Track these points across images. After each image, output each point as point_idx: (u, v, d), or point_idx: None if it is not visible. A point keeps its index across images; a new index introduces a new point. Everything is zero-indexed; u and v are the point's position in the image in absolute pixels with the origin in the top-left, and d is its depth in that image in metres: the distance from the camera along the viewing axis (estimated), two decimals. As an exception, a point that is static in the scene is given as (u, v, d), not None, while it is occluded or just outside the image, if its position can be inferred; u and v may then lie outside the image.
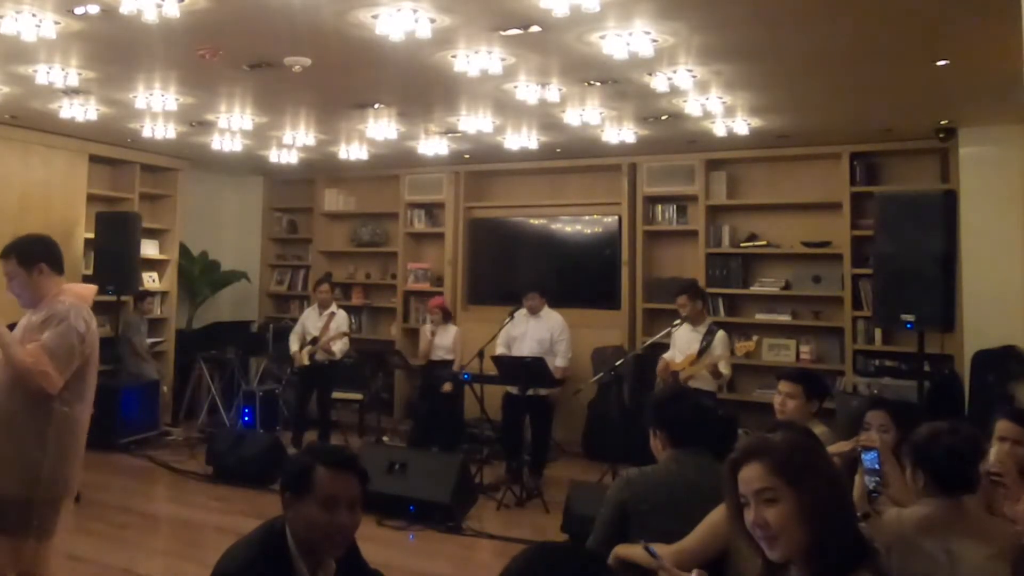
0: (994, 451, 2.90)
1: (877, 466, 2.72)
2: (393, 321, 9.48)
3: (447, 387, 7.36)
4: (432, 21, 4.16)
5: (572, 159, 8.31)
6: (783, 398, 3.71)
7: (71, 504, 3.30)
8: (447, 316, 7.75)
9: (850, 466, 2.90)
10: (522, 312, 6.86)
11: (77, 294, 3.27)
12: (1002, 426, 3.04)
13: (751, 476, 1.75)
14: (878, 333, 7.18)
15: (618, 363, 6.53)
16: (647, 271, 8.21)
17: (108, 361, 8.10)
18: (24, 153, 7.57)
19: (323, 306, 7.86)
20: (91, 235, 8.02)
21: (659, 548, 2.37)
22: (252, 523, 2.42)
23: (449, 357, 7.60)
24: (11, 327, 3.22)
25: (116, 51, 4.91)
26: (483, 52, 4.69)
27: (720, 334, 6.06)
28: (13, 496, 3.04)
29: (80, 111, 6.38)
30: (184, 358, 8.87)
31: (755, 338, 6.47)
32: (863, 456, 2.77)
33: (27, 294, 3.22)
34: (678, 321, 6.20)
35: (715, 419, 3.09)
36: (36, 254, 3.22)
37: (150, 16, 3.91)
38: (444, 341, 7.66)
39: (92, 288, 3.42)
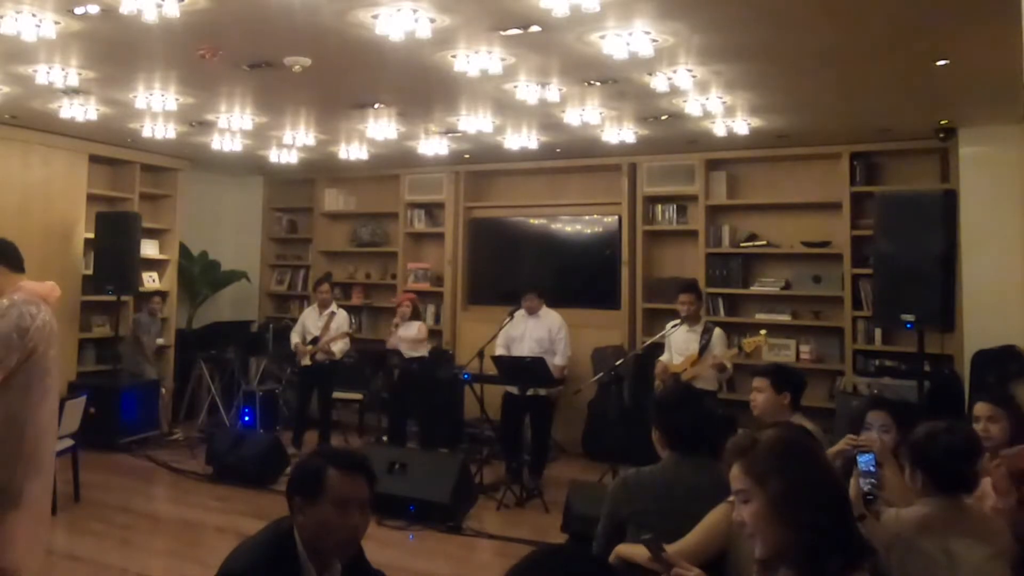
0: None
1: (873, 468, 2.72)
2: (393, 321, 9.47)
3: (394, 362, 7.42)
4: (432, 21, 4.16)
5: (572, 159, 8.31)
6: (754, 393, 3.79)
7: (33, 495, 3.25)
8: (415, 313, 7.74)
9: (849, 467, 2.90)
10: (521, 312, 6.85)
11: (31, 291, 3.27)
12: (977, 408, 3.27)
13: (733, 476, 1.81)
14: (878, 333, 7.18)
15: (618, 363, 6.53)
16: (647, 271, 8.22)
17: (108, 361, 8.14)
18: (24, 153, 7.58)
19: (323, 306, 7.86)
20: (91, 235, 8.03)
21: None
22: (252, 523, 2.43)
23: (415, 354, 7.58)
24: None
25: (116, 51, 4.91)
26: (483, 52, 4.69)
27: (717, 331, 6.10)
28: None
29: (80, 111, 6.38)
30: (184, 358, 8.86)
31: (763, 332, 6.45)
32: (858, 458, 2.77)
33: None
34: (677, 321, 6.20)
35: (716, 423, 3.09)
36: None
37: (150, 16, 3.91)
38: (407, 333, 7.62)
39: (50, 285, 3.39)
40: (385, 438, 8.18)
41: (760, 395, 3.75)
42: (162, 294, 8.74)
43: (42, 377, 3.25)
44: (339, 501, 2.18)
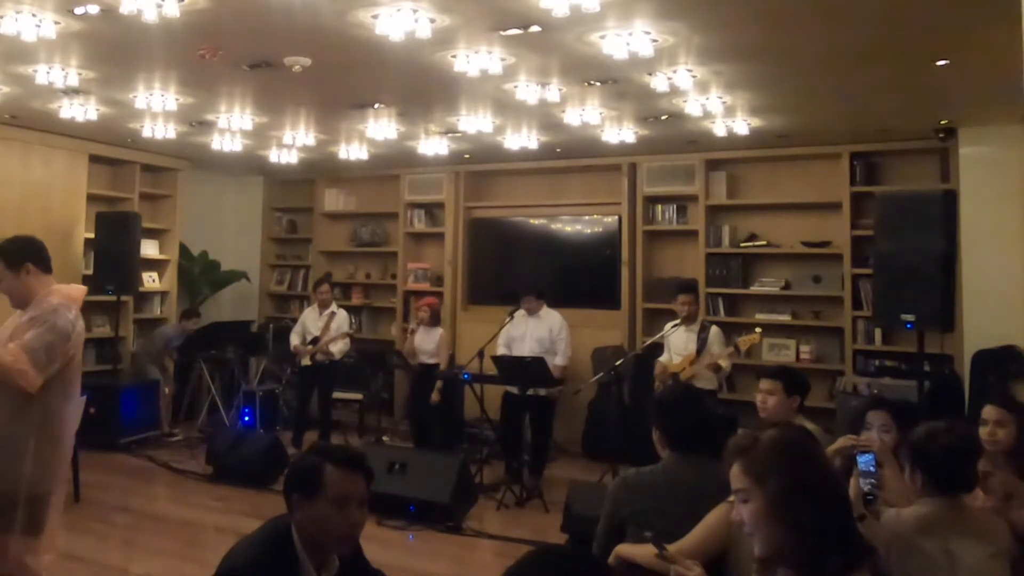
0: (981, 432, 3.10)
1: (873, 468, 2.72)
2: (393, 321, 9.48)
3: (435, 397, 7.19)
4: (432, 21, 4.16)
5: (572, 159, 8.31)
6: (763, 396, 3.73)
7: (60, 502, 3.27)
8: (435, 318, 7.54)
9: (849, 467, 2.90)
10: (521, 312, 6.85)
11: (66, 294, 3.27)
12: (985, 411, 3.22)
13: (733, 476, 1.81)
14: (878, 333, 7.18)
15: (618, 363, 6.52)
16: (647, 271, 8.22)
17: (108, 361, 8.13)
18: (24, 153, 7.58)
19: (323, 306, 7.85)
20: (91, 235, 8.03)
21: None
22: (252, 523, 2.43)
23: (432, 361, 7.40)
24: None
25: (116, 51, 4.91)
26: (483, 52, 4.69)
27: (714, 330, 6.12)
28: None
29: (80, 111, 6.38)
30: (184, 358, 8.87)
31: (758, 330, 6.46)
32: (858, 458, 2.76)
33: (17, 295, 3.23)
34: (676, 322, 6.21)
35: (716, 422, 3.08)
36: (22, 255, 3.22)
37: (150, 16, 3.91)
38: (426, 344, 7.43)
39: (82, 289, 3.40)
40: (385, 438, 8.20)
41: (771, 398, 3.69)
42: (195, 313, 8.66)
43: (75, 383, 3.26)
44: (337, 498, 2.19)
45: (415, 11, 4.08)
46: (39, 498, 3.11)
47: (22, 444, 3.06)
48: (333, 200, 10.04)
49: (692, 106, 5.80)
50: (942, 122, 6.58)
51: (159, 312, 8.98)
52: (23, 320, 3.15)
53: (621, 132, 6.82)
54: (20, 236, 3.35)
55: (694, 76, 5.13)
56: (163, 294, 9.05)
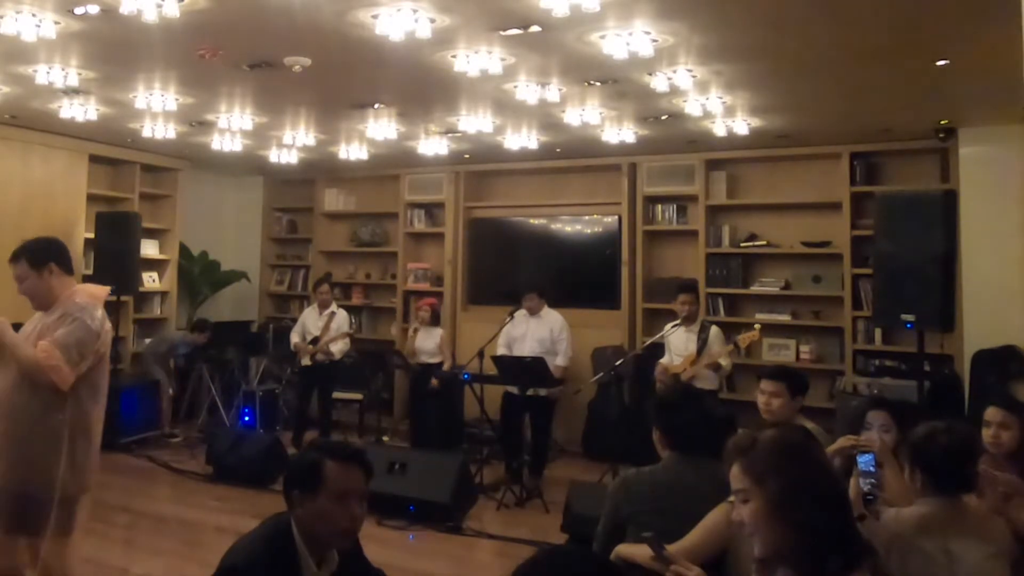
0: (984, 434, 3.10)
1: (873, 468, 2.72)
2: (393, 321, 9.48)
3: (435, 382, 7.30)
4: (432, 21, 4.16)
5: (572, 159, 8.31)
6: (767, 397, 3.69)
7: (89, 502, 3.28)
8: (436, 318, 7.63)
9: (849, 467, 2.90)
10: (522, 312, 6.85)
11: (90, 293, 3.28)
12: (989, 413, 3.21)
13: (733, 476, 1.81)
14: (878, 333, 7.18)
15: (618, 363, 6.52)
16: (647, 271, 8.22)
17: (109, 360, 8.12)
18: (24, 153, 7.58)
19: (323, 306, 7.86)
20: (91, 235, 8.01)
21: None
22: (252, 523, 2.43)
23: (433, 360, 7.51)
24: (16, 328, 3.22)
25: (116, 51, 4.91)
26: (483, 52, 4.69)
27: (714, 330, 6.12)
28: (31, 495, 3.05)
29: (80, 111, 6.38)
30: (187, 363, 8.86)
31: (757, 326, 6.47)
32: (858, 459, 2.76)
33: (39, 295, 3.23)
34: (676, 322, 6.21)
35: (716, 423, 3.08)
36: (46, 255, 3.23)
37: (150, 16, 3.91)
38: (427, 344, 7.53)
39: (105, 289, 3.43)
40: (385, 438, 8.19)
41: (776, 400, 3.67)
42: (207, 327, 8.59)
43: (104, 382, 3.27)
44: (339, 493, 2.21)
45: (415, 11, 4.08)
46: (71, 499, 3.12)
47: (56, 445, 3.07)
48: (333, 200, 10.04)
49: (692, 106, 5.80)
50: (942, 122, 6.58)
51: (159, 312, 8.97)
52: (51, 319, 3.16)
53: (621, 132, 6.82)
54: (43, 237, 3.36)
55: (694, 76, 5.13)
56: (163, 294, 9.05)
